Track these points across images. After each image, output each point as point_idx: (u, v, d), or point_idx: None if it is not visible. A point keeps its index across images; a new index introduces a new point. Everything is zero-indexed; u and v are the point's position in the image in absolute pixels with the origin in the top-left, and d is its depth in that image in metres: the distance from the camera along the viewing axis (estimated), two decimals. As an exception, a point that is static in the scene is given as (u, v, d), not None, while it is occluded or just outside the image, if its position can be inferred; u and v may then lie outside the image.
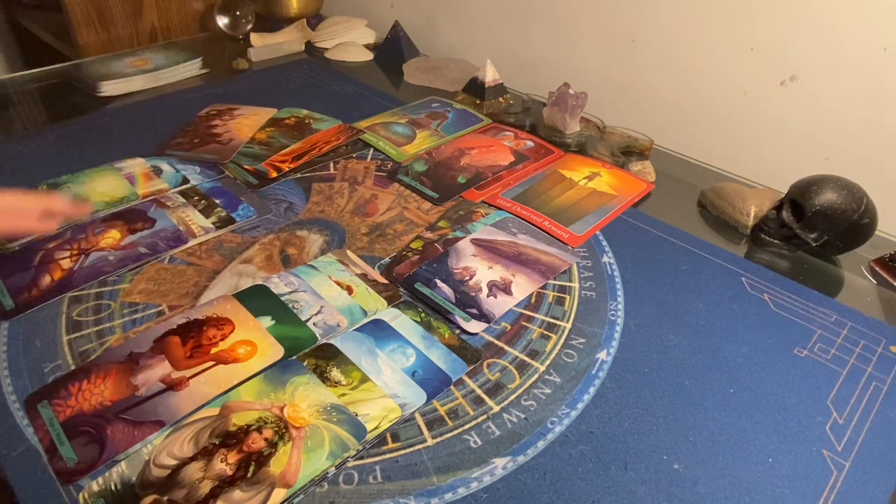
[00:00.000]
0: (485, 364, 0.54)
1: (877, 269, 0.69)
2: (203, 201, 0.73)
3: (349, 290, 0.60)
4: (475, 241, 0.68)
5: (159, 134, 0.87)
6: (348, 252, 0.66)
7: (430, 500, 0.43)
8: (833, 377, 0.55)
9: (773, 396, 0.52)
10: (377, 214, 0.73)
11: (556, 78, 1.00)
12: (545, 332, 0.58)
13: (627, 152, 0.88)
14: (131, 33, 1.28)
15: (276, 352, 0.52)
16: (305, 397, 0.49)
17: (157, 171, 0.78)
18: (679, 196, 0.82)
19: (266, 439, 0.45)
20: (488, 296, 0.61)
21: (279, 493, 0.42)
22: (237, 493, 0.41)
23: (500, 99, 1.02)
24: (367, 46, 1.23)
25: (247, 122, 0.90)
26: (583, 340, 0.57)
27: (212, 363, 0.51)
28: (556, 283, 0.64)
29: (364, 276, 0.62)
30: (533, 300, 0.62)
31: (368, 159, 0.85)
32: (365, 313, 0.58)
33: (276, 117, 0.93)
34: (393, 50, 1.18)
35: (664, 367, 0.55)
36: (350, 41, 1.23)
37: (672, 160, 0.91)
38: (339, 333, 0.55)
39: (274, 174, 0.79)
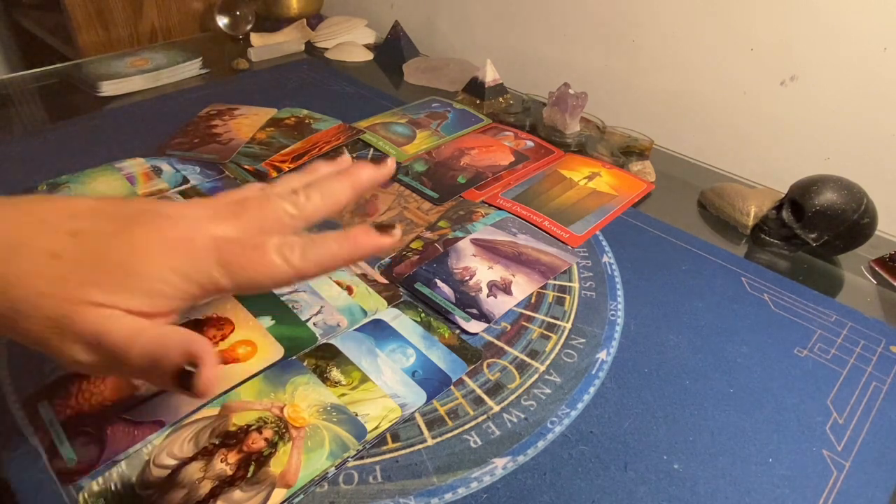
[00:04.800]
0: (485, 364, 0.54)
1: (877, 269, 0.69)
2: (203, 201, 0.73)
3: (349, 290, 0.60)
4: (475, 241, 0.68)
5: (159, 134, 0.87)
6: (348, 252, 0.66)
7: (430, 500, 0.43)
8: (833, 377, 0.55)
9: (773, 396, 0.52)
10: (377, 214, 0.73)
11: (556, 78, 1.00)
12: (545, 332, 0.58)
13: (627, 152, 0.88)
14: (131, 33, 1.28)
15: (276, 352, 0.52)
16: (305, 397, 0.49)
17: (157, 171, 0.78)
18: (679, 196, 0.82)
19: (266, 439, 0.45)
20: (488, 296, 0.61)
21: (279, 493, 0.42)
22: (237, 493, 0.41)
23: (500, 99, 1.02)
24: (367, 46, 1.23)
25: (247, 122, 0.90)
26: (583, 340, 0.57)
27: (212, 363, 0.51)
28: (556, 283, 0.64)
29: (364, 276, 0.62)
30: (533, 300, 0.62)
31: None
32: (365, 313, 0.58)
33: (276, 117, 0.93)
34: (393, 50, 1.18)
35: (664, 367, 0.55)
36: (350, 41, 1.23)
37: (672, 160, 0.91)
38: (339, 333, 0.55)
39: (274, 174, 0.79)
